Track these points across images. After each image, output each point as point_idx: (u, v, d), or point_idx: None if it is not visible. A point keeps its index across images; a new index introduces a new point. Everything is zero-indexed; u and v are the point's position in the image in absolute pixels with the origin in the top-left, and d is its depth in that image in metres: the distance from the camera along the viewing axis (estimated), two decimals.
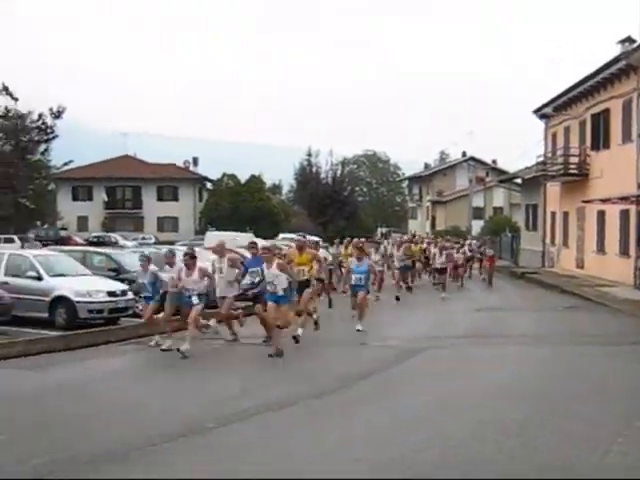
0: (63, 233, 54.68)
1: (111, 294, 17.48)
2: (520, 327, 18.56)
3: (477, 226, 66.87)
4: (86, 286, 17.35)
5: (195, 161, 74.36)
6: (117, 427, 8.55)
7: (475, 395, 10.45)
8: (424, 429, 8.47)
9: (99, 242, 46.89)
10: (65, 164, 55.88)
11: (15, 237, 44.92)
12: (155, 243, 46.19)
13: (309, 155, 71.13)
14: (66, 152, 54.31)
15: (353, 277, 17.23)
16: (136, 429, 8.43)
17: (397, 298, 23.92)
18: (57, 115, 50.22)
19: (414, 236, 47.35)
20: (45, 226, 58.30)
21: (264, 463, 7.18)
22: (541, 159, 39.31)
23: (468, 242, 39.00)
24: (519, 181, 48.70)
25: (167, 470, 7.05)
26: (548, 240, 40.18)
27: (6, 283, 17.06)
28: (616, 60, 28.97)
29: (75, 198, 69.97)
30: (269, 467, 7.08)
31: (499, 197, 71.41)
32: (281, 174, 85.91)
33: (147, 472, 6.98)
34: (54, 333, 14.21)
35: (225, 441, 8.08)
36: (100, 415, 9.19)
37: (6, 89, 48.08)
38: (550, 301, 25.12)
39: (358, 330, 16.26)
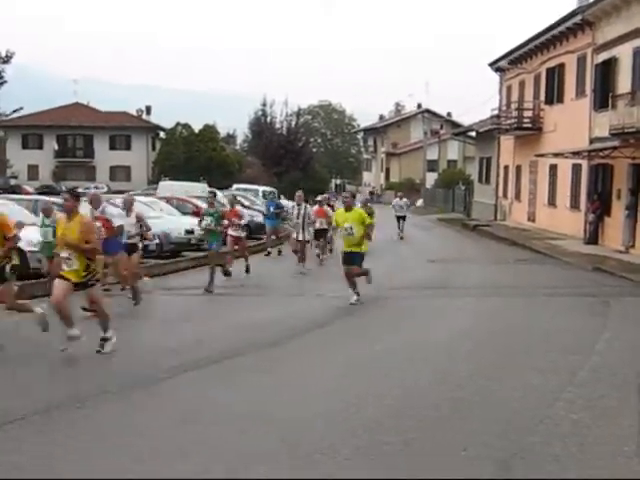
0: (13, 182, 53.63)
1: None
2: (471, 279, 18.78)
3: (431, 178, 67.28)
4: (37, 235, 16.97)
5: (148, 110, 73.12)
6: (68, 379, 8.57)
7: (429, 346, 10.62)
8: (377, 378, 8.59)
9: (49, 192, 46.13)
10: (14, 111, 54.56)
11: None
12: (107, 192, 45.55)
13: (264, 105, 70.31)
14: (15, 99, 53.06)
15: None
16: (86, 380, 8.44)
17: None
18: (5, 60, 48.91)
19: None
20: None
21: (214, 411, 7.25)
22: (495, 112, 39.54)
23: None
24: (473, 134, 48.94)
25: (118, 418, 7.08)
26: (501, 193, 40.56)
27: None
28: (572, 14, 29.04)
29: (25, 146, 68.53)
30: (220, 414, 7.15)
31: (453, 150, 71.64)
32: (235, 124, 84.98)
33: (95, 419, 6.98)
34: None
35: (176, 390, 8.11)
36: (53, 367, 9.14)
37: None
38: (501, 254, 25.43)
39: None
